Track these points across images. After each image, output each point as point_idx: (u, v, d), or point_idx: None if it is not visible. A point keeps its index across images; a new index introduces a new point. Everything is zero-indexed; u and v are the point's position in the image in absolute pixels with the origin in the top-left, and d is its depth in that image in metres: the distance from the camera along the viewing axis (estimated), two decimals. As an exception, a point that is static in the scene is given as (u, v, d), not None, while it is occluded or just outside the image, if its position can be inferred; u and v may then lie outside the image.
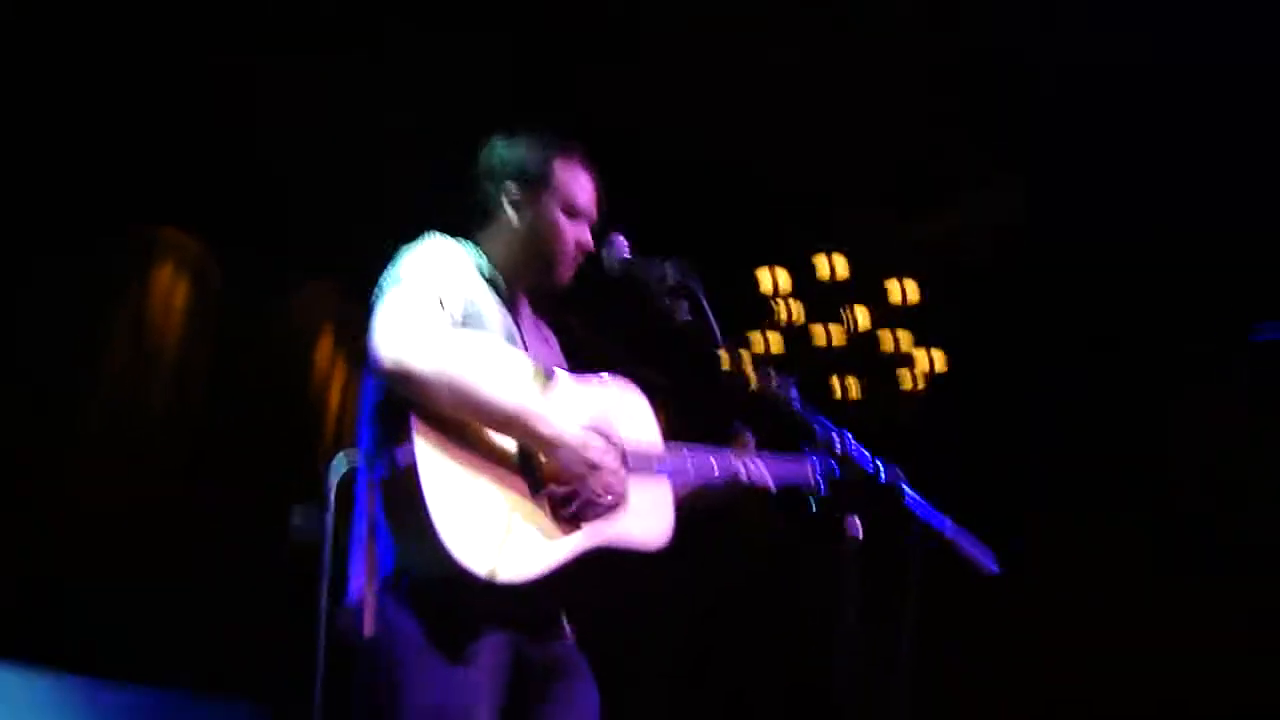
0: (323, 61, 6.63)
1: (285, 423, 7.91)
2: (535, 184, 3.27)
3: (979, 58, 6.57)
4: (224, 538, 6.95)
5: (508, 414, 2.95)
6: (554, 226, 3.27)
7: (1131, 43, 6.30)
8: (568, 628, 3.19)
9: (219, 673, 6.46)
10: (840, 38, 6.53)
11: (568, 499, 3.02)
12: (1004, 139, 7.09)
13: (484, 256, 3.26)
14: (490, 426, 2.96)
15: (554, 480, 3.02)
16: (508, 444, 2.99)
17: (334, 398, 8.38)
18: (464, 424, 2.92)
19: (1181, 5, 6.06)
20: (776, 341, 8.98)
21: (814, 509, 3.27)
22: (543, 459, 3.02)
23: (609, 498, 3.06)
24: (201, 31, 6.38)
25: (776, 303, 8.83)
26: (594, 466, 3.03)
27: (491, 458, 2.95)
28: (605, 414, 3.13)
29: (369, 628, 2.83)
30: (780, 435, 3.41)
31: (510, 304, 3.26)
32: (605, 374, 3.33)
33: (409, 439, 2.83)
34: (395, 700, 2.84)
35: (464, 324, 3.04)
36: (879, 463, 2.85)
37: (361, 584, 2.93)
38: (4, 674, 5.41)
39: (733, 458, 3.37)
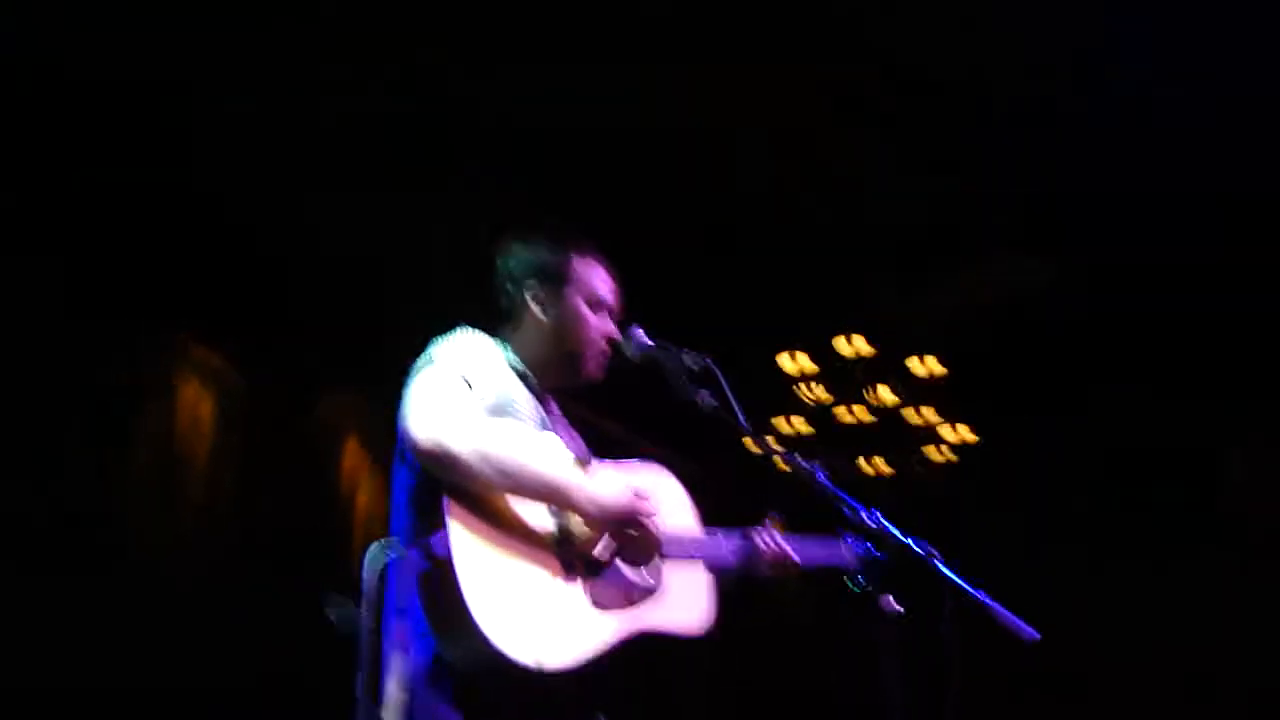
0: (343, 180, 6.70)
1: (315, 525, 7.93)
2: (556, 280, 3.31)
3: (994, 127, 6.57)
4: (259, 637, 6.95)
5: (548, 482, 2.96)
6: (579, 319, 3.30)
7: (1158, 105, 6.28)
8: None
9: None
10: (854, 112, 6.54)
11: (606, 571, 3.02)
12: (1025, 208, 7.08)
13: (514, 354, 3.28)
14: (531, 496, 2.96)
15: (592, 549, 3.03)
16: (543, 525, 2.99)
17: (362, 500, 8.40)
18: (498, 509, 2.93)
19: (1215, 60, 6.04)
20: (802, 424, 8.99)
21: (852, 589, 3.26)
22: (577, 531, 3.02)
23: (645, 563, 3.08)
24: (219, 151, 6.46)
25: (799, 386, 8.85)
26: (638, 521, 3.06)
27: (527, 541, 2.95)
28: (643, 493, 3.14)
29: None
30: (811, 517, 3.41)
31: (540, 400, 3.28)
32: (638, 461, 3.33)
33: (443, 526, 2.83)
34: None
35: (495, 412, 3.06)
36: (910, 539, 2.84)
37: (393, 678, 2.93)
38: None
39: (764, 540, 3.35)
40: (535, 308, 3.30)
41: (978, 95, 6.40)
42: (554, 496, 2.99)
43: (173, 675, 6.66)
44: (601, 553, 3.05)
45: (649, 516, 3.09)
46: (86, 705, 6.25)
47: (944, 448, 9.29)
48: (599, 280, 3.35)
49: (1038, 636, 2.68)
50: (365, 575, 2.82)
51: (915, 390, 8.98)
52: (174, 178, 6.53)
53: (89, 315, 6.69)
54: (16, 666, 5.99)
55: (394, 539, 2.97)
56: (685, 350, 3.23)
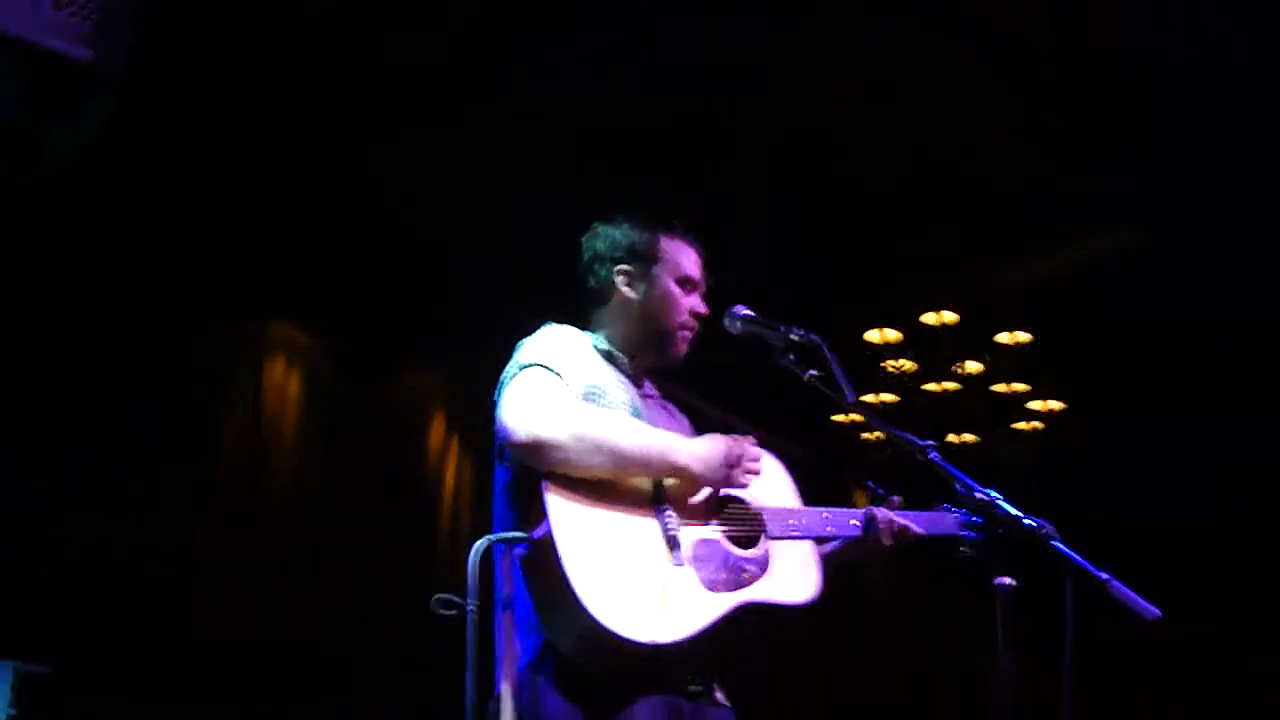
0: (425, 157, 6.71)
1: (401, 504, 7.99)
2: (645, 260, 3.32)
3: (1091, 97, 6.45)
4: (348, 621, 7.01)
5: (643, 453, 2.96)
6: (669, 296, 3.30)
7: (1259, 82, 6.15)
8: (720, 694, 3.14)
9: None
10: (955, 88, 6.45)
11: (711, 550, 2.99)
12: (1117, 173, 6.95)
13: (603, 338, 3.29)
14: (629, 471, 2.95)
15: (688, 512, 3.01)
16: (643, 504, 2.97)
17: (449, 478, 8.45)
18: (597, 491, 2.91)
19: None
20: (890, 398, 8.94)
21: (964, 560, 3.22)
22: (673, 493, 3.00)
23: (749, 550, 3.05)
24: (309, 133, 6.48)
25: (887, 363, 8.80)
26: (733, 464, 3.03)
27: (628, 522, 2.93)
28: (740, 440, 3.12)
29: (508, 717, 2.82)
30: (910, 490, 3.38)
31: (635, 382, 3.28)
32: None
33: (544, 513, 2.83)
34: None
35: (587, 399, 3.06)
36: (1027, 517, 2.79)
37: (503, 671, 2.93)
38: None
39: (875, 513, 3.32)
40: (625, 287, 3.31)
41: (1069, 64, 6.29)
42: (652, 463, 2.98)
43: (252, 645, 6.74)
44: (709, 530, 3.02)
45: (752, 460, 3.07)
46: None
47: (1033, 420, 9.21)
48: (687, 259, 3.35)
49: (1159, 614, 2.61)
50: (470, 569, 2.80)
51: (1003, 362, 8.89)
52: (255, 155, 6.55)
53: (178, 295, 6.76)
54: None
55: (495, 531, 2.95)
56: (789, 326, 3.20)
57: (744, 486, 3.08)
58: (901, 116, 6.64)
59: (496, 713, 2.89)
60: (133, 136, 5.99)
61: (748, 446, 3.09)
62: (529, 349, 3.10)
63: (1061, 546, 2.72)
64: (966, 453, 9.18)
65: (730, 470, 3.03)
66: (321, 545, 7.34)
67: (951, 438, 9.16)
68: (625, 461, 2.94)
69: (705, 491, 3.07)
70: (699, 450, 3.03)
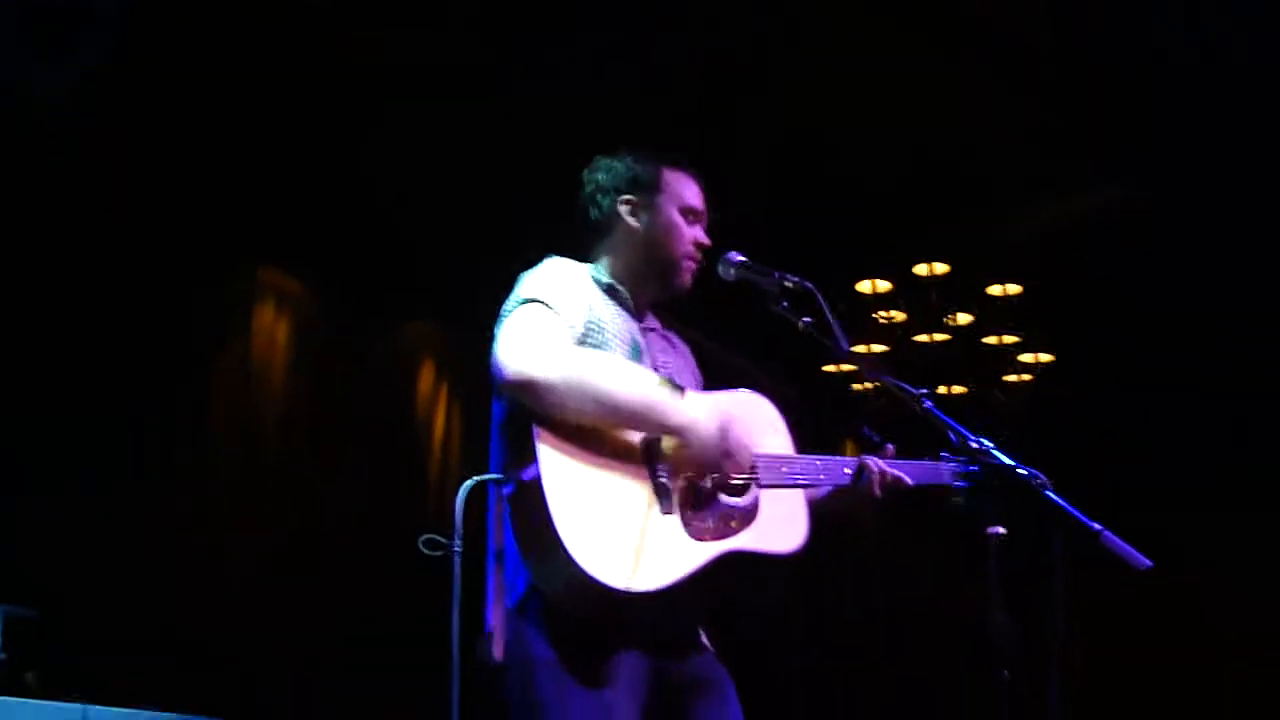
0: (421, 107, 6.66)
1: (393, 452, 7.99)
2: (648, 189, 3.29)
3: (1075, 52, 6.44)
4: (342, 567, 7.03)
5: (637, 408, 2.91)
6: (672, 225, 3.27)
7: (1239, 27, 6.12)
8: (706, 641, 3.15)
9: (349, 708, 6.49)
10: (934, 41, 6.43)
11: (700, 498, 2.98)
12: (1104, 132, 6.95)
13: (604, 270, 3.26)
14: (620, 424, 2.92)
15: (681, 477, 2.97)
16: (634, 452, 2.94)
17: (439, 426, 8.45)
18: (588, 436, 2.88)
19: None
20: (880, 349, 8.94)
21: (956, 509, 3.23)
22: (669, 452, 2.97)
23: (738, 498, 3.03)
24: (297, 76, 6.43)
25: (879, 314, 8.80)
26: (727, 454, 2.98)
27: (619, 469, 2.90)
28: (736, 420, 3.09)
29: (499, 653, 2.82)
30: (903, 439, 3.37)
31: (636, 315, 3.25)
32: (735, 388, 3.29)
33: (534, 455, 2.80)
34: None
35: (586, 337, 3.03)
36: (1019, 465, 2.79)
37: (492, 609, 2.93)
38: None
39: (867, 461, 3.31)
40: (629, 217, 3.28)
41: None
42: (646, 422, 2.94)
43: (249, 602, 6.76)
44: (696, 480, 3.00)
45: (741, 446, 3.02)
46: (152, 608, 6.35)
47: (1022, 372, 9.23)
48: (689, 190, 3.32)
49: (1150, 564, 2.61)
50: (456, 509, 2.79)
51: (992, 313, 8.89)
52: (249, 105, 6.50)
53: (169, 242, 6.72)
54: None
55: (491, 474, 2.93)
56: (784, 273, 3.19)
57: (728, 479, 3.02)
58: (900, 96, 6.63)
59: (485, 650, 2.90)
60: (124, 82, 6.00)
61: (744, 449, 3.03)
62: (529, 283, 3.05)
63: (1055, 497, 2.73)
64: (956, 404, 9.19)
65: (720, 458, 2.98)
66: (313, 493, 7.36)
67: (942, 389, 9.17)
68: (618, 414, 2.91)
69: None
70: (700, 424, 2.96)
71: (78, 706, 4.79)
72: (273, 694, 6.49)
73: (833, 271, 7.98)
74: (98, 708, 4.83)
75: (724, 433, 2.97)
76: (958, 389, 9.31)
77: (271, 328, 7.69)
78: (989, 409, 9.05)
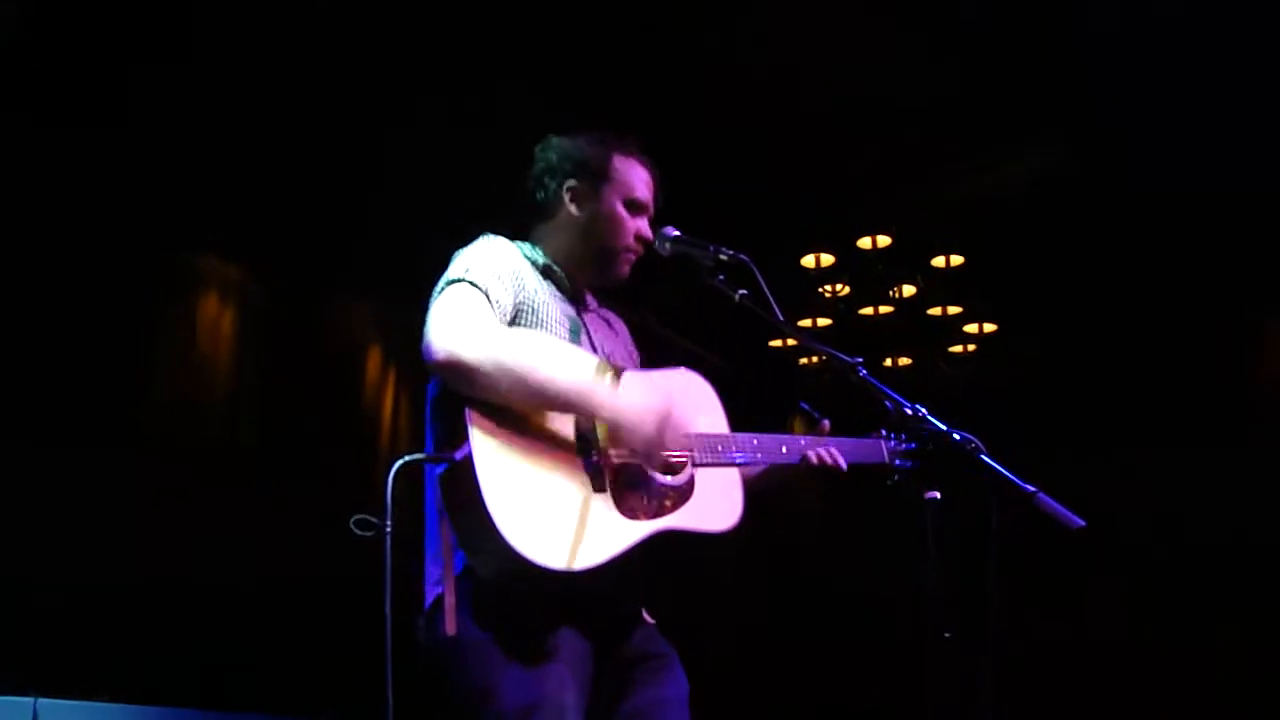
0: (360, 87, 6.62)
1: (340, 435, 7.97)
2: (596, 177, 3.28)
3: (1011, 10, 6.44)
4: (286, 552, 7.00)
5: (566, 393, 2.89)
6: (614, 217, 3.26)
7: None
8: (647, 616, 3.15)
9: (287, 690, 6.47)
10: (871, 8, 6.44)
11: (633, 477, 2.98)
12: (1044, 91, 6.96)
13: (542, 252, 3.25)
14: (549, 408, 2.90)
15: (614, 458, 2.97)
16: (566, 432, 2.94)
17: (386, 408, 8.43)
18: (521, 416, 2.87)
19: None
20: (825, 325, 8.98)
21: (892, 483, 3.25)
22: (602, 438, 2.97)
23: (672, 477, 3.03)
24: (233, 61, 6.38)
25: (823, 288, 8.83)
26: (658, 442, 2.96)
27: (551, 449, 2.89)
28: (671, 400, 3.08)
29: (450, 626, 2.81)
30: (847, 413, 3.39)
31: (573, 297, 3.25)
32: (671, 366, 3.30)
33: (465, 436, 2.79)
34: (481, 706, 2.81)
35: (518, 316, 3.02)
36: (954, 431, 2.81)
37: (436, 588, 2.92)
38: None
39: (802, 441, 3.33)
40: (571, 204, 3.28)
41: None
42: (576, 408, 2.93)
43: (189, 578, 6.72)
44: (630, 462, 3.00)
45: (675, 431, 3.00)
46: (100, 597, 6.32)
47: (966, 341, 9.28)
48: (638, 180, 3.31)
49: (1084, 524, 2.65)
50: (389, 488, 2.79)
51: (936, 284, 8.93)
52: (187, 87, 6.45)
53: (109, 229, 6.66)
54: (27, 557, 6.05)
55: (416, 454, 2.90)
56: (719, 246, 3.20)
57: (657, 467, 3.02)
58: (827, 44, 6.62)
59: (429, 627, 2.90)
60: (60, 60, 5.95)
61: (676, 437, 3.00)
62: (461, 261, 3.02)
63: (989, 460, 2.75)
64: (901, 376, 9.25)
65: (651, 447, 2.96)
66: (258, 475, 7.33)
67: (887, 361, 9.22)
68: (548, 398, 2.89)
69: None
70: (629, 411, 2.94)
71: (28, 700, 4.77)
72: (216, 679, 6.45)
73: (778, 245, 8.08)
74: (49, 700, 4.81)
75: (656, 419, 2.95)
76: (904, 360, 9.36)
77: (215, 315, 7.65)
78: (937, 378, 9.12)
